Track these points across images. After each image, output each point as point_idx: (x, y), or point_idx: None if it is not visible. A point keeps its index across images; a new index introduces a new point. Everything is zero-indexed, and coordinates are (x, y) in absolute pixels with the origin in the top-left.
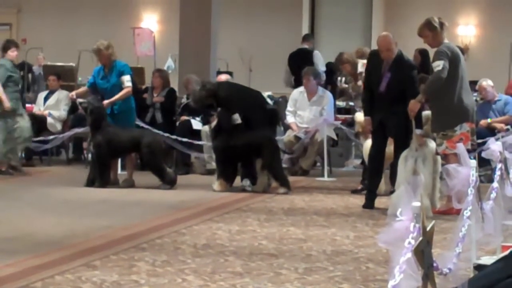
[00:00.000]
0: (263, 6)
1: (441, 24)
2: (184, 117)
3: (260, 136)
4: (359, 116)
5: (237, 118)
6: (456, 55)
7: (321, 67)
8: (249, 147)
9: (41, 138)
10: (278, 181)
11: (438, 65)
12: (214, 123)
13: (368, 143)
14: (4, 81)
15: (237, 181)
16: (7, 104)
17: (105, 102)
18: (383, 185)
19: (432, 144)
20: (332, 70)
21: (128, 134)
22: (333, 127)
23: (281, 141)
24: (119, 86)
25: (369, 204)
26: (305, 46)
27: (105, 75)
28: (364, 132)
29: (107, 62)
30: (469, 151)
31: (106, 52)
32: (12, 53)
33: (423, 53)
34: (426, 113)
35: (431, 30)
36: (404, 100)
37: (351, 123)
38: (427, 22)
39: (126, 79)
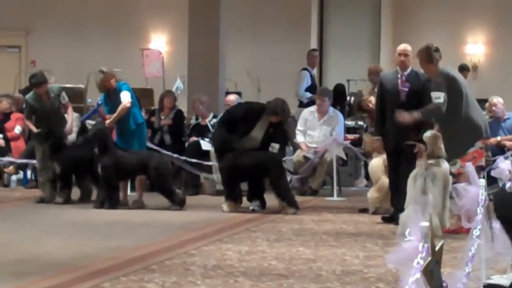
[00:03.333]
0: (271, 26)
1: (430, 55)
2: (193, 138)
3: (265, 157)
4: (368, 136)
5: (276, 147)
6: (451, 79)
7: (302, 87)
8: (255, 167)
9: None
10: (285, 201)
11: (439, 97)
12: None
13: (374, 163)
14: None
15: (246, 202)
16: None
17: (107, 122)
18: (377, 202)
19: (445, 165)
20: (341, 91)
21: (135, 157)
22: (343, 147)
23: (290, 161)
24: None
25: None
26: (307, 67)
27: (111, 100)
28: (373, 151)
29: (109, 84)
30: (483, 167)
31: (109, 79)
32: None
33: None
34: (429, 134)
35: (419, 57)
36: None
37: (356, 143)
38: (420, 50)
39: (122, 95)
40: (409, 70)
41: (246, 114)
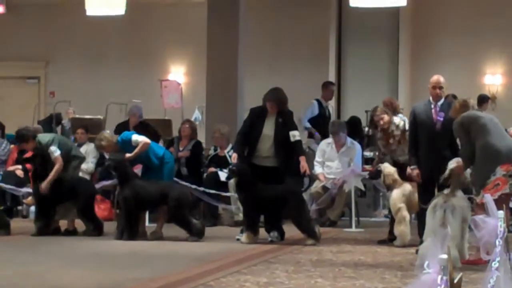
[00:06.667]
0: (289, 57)
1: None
2: (212, 169)
3: (285, 189)
4: (388, 167)
5: (296, 134)
6: (465, 118)
7: (305, 116)
8: (275, 200)
9: None
10: (304, 233)
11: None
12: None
13: (394, 194)
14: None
15: (264, 233)
16: None
17: (127, 155)
18: (408, 235)
19: (461, 195)
20: (356, 124)
21: (155, 187)
22: (361, 178)
23: (306, 192)
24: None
25: None
26: (320, 98)
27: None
28: (394, 183)
29: (115, 147)
30: (510, 196)
31: (110, 144)
32: None
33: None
34: (453, 163)
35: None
36: (453, 143)
37: (374, 176)
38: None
39: (135, 138)
40: (442, 100)
41: (252, 116)
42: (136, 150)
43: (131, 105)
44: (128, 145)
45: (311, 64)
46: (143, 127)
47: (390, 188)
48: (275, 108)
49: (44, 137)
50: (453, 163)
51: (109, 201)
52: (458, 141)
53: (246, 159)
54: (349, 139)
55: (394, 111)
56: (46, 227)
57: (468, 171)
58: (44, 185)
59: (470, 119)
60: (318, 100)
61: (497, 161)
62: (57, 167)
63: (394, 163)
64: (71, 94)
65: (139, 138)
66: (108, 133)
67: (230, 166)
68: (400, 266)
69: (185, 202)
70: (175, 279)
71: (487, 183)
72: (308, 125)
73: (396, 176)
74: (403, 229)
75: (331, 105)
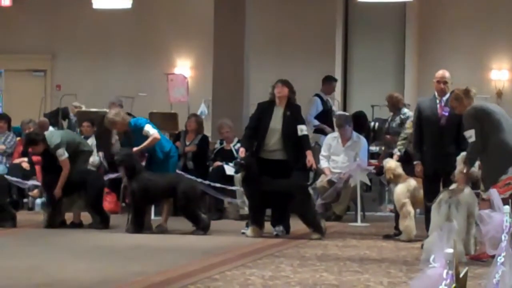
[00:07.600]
0: (295, 51)
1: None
2: (218, 163)
3: (291, 184)
4: (389, 162)
5: (303, 128)
6: (480, 110)
7: (311, 114)
8: (281, 194)
9: None
10: (310, 227)
11: (471, 135)
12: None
13: (398, 190)
14: None
15: (270, 227)
16: None
17: (134, 149)
18: (413, 230)
19: (467, 189)
20: (361, 118)
21: (164, 180)
22: (366, 172)
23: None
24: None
25: None
26: (320, 92)
27: (130, 139)
28: (395, 178)
29: (126, 127)
30: None
31: (124, 122)
32: None
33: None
34: (459, 157)
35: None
36: (458, 138)
37: (379, 173)
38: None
39: (148, 129)
40: (447, 95)
41: (259, 111)
42: (144, 144)
43: (112, 97)
44: (138, 132)
45: (317, 58)
46: None
47: (390, 182)
48: (285, 93)
49: (52, 139)
50: (459, 164)
51: (115, 193)
52: (469, 132)
53: (254, 153)
54: (354, 133)
55: (394, 106)
56: (57, 215)
57: (477, 164)
58: (56, 191)
59: (484, 112)
60: (318, 95)
61: (511, 160)
62: (64, 171)
63: (408, 155)
64: (77, 88)
65: (150, 131)
66: (122, 111)
67: (238, 160)
68: (405, 261)
69: (193, 195)
70: (180, 272)
71: (498, 180)
72: (316, 122)
73: (399, 171)
74: (408, 224)
75: (337, 99)
